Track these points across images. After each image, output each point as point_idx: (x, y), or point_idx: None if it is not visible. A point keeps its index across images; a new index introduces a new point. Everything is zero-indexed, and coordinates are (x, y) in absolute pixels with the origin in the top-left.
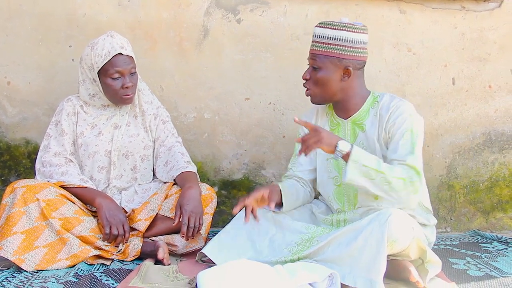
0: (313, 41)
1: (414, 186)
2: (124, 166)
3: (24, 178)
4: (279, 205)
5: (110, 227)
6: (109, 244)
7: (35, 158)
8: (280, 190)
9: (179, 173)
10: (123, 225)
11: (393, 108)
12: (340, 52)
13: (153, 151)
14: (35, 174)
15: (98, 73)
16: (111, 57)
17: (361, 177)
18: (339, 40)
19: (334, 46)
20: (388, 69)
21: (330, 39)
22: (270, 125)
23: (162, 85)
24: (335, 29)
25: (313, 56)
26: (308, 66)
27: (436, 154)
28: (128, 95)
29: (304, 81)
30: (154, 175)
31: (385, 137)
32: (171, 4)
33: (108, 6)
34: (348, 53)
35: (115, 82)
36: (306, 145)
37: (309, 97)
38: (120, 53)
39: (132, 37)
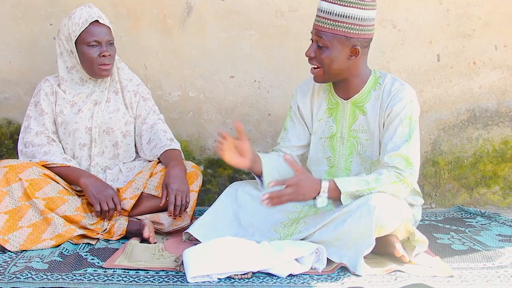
0: (318, 16)
1: (405, 182)
2: (105, 142)
3: (7, 159)
4: (260, 174)
5: (100, 204)
6: (101, 221)
7: (18, 139)
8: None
9: (162, 151)
10: (112, 199)
11: (394, 92)
12: (348, 30)
13: (134, 128)
14: (18, 155)
15: (75, 43)
16: (88, 24)
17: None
18: (348, 18)
19: (342, 24)
20: (373, 46)
21: (338, 16)
22: (255, 103)
23: (146, 63)
24: (343, 5)
25: (318, 33)
26: (311, 43)
27: (421, 130)
28: (106, 64)
29: (308, 59)
30: (137, 152)
31: (384, 120)
32: None
33: None
34: (357, 32)
35: (92, 50)
36: (279, 199)
37: (313, 75)
38: (97, 21)
39: (114, 14)
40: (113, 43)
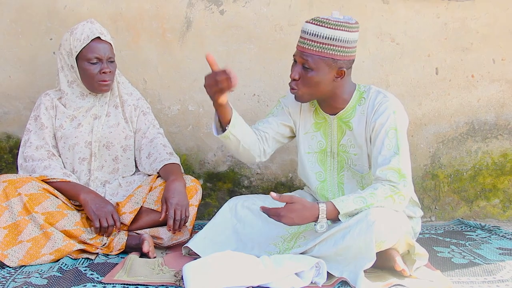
0: (304, 39)
1: (401, 195)
2: (105, 156)
3: (6, 173)
4: (223, 123)
5: (99, 220)
6: (100, 236)
7: (17, 153)
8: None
9: (162, 165)
10: (112, 215)
11: (377, 105)
12: (336, 53)
13: (134, 142)
14: (17, 170)
15: (76, 58)
16: (89, 40)
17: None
18: (336, 40)
19: (329, 47)
20: (371, 60)
21: (325, 38)
22: (254, 117)
23: (145, 77)
24: (331, 28)
25: (303, 55)
26: (293, 63)
27: (420, 143)
28: (105, 81)
29: (291, 80)
30: (136, 166)
31: (370, 134)
32: None
33: None
34: (343, 54)
35: (92, 66)
36: (277, 216)
37: (295, 95)
38: (99, 38)
39: (114, 29)
40: (113, 60)
